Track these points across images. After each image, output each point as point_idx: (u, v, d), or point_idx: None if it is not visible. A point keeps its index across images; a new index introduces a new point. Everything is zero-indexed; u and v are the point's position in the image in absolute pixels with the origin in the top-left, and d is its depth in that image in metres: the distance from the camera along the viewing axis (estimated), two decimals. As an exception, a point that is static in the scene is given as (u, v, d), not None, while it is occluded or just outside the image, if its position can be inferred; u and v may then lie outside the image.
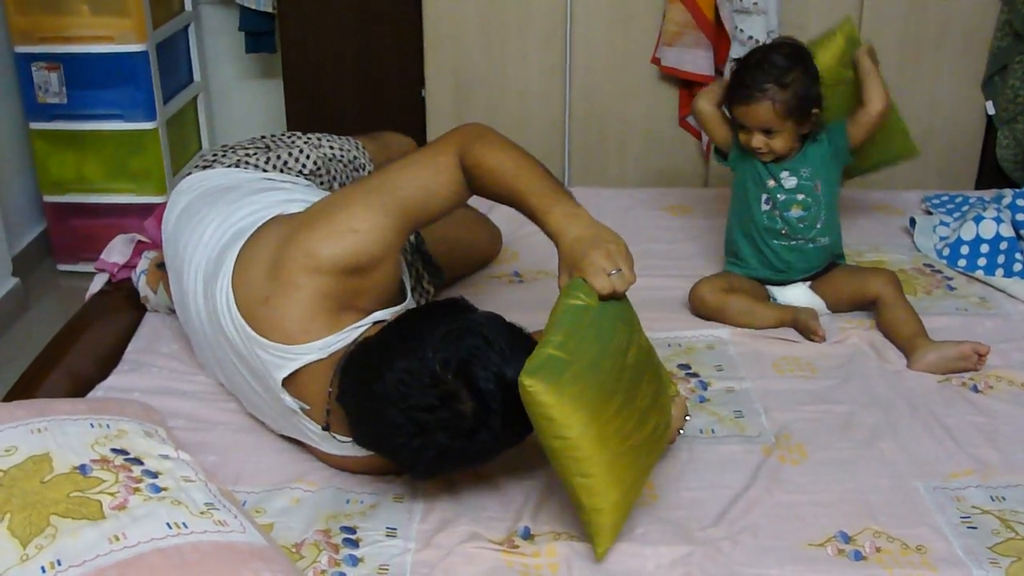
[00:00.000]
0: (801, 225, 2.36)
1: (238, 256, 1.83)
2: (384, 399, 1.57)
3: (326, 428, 1.76)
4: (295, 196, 2.01)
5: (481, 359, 1.56)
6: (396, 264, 1.82)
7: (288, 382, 1.75)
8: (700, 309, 2.38)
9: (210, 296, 1.86)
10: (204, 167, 2.17)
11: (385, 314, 1.77)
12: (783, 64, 2.25)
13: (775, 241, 2.38)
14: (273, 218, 1.88)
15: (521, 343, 1.62)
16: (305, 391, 1.74)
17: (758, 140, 2.30)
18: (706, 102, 2.42)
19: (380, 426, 1.61)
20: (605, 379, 1.59)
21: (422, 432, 1.56)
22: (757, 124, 2.28)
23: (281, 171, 2.18)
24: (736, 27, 3.49)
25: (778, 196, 2.35)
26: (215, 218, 1.96)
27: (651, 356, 1.77)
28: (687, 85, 3.65)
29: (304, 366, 1.72)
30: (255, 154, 2.19)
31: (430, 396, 1.55)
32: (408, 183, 1.81)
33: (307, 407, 1.76)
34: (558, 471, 1.59)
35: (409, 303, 1.87)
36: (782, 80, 2.24)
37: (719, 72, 3.59)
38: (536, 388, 1.50)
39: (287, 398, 1.76)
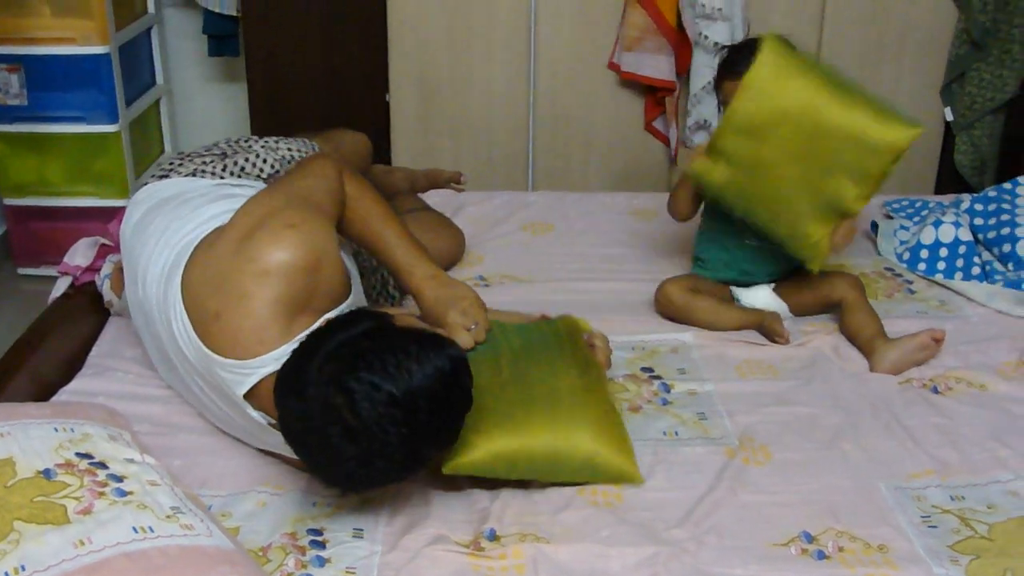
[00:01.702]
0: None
1: (184, 275, 1.80)
2: (286, 432, 1.61)
3: None
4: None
5: (362, 387, 1.53)
6: (339, 257, 1.82)
7: (251, 396, 1.73)
8: (667, 308, 2.39)
9: (165, 321, 1.84)
10: (161, 176, 2.13)
11: (334, 313, 1.76)
12: None
13: (746, 242, 2.40)
14: (210, 232, 1.86)
15: (410, 351, 1.57)
16: (268, 403, 1.69)
17: None
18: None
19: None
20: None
21: (322, 453, 1.59)
22: None
23: (239, 177, 2.15)
24: (700, 33, 3.52)
25: None
26: (164, 232, 1.93)
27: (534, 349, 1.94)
28: (652, 90, 3.67)
29: (263, 379, 1.70)
30: (212, 162, 2.16)
31: (321, 428, 1.55)
32: (311, 186, 1.90)
33: (273, 421, 1.71)
34: None
35: (354, 300, 1.86)
36: None
37: (680, 77, 3.61)
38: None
39: (253, 413, 1.74)
